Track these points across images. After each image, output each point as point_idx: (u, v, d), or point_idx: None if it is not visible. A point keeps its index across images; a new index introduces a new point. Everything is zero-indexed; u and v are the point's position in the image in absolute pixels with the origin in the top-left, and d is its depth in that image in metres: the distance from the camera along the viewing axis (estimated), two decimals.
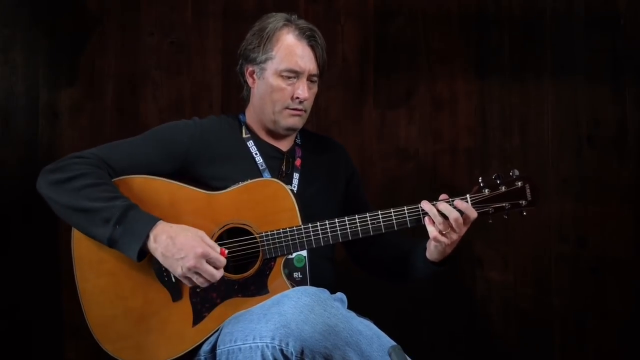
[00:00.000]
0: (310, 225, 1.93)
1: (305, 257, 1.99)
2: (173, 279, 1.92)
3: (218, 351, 1.86)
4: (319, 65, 2.11)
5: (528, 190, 1.93)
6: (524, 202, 1.93)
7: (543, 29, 2.90)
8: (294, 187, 2.10)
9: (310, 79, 2.10)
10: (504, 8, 2.90)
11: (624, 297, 2.86)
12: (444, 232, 1.89)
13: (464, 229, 1.91)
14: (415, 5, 2.91)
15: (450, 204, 1.89)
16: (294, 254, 1.99)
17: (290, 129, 2.13)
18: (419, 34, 2.91)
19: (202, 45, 2.87)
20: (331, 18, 2.90)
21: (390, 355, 1.72)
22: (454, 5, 2.91)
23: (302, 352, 1.69)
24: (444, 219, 1.88)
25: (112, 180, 1.96)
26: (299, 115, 2.10)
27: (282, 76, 2.07)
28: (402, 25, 2.91)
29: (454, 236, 1.91)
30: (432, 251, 1.98)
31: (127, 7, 2.85)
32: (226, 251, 1.90)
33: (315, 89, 2.14)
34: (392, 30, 2.91)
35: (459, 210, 1.89)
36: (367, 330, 1.75)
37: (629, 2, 2.87)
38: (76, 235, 1.97)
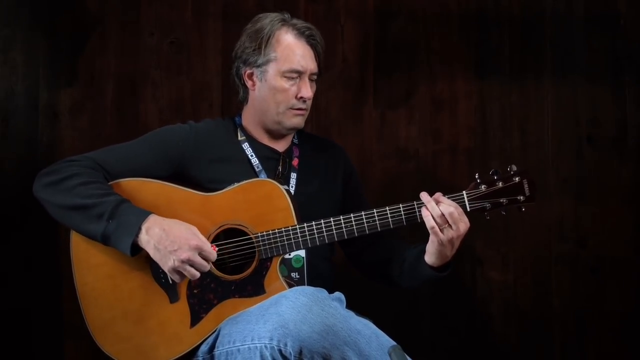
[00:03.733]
0: (305, 224, 1.93)
1: (303, 257, 2.00)
2: (170, 281, 1.92)
3: (217, 352, 1.86)
4: (318, 63, 2.12)
5: (526, 186, 1.91)
6: (522, 197, 1.91)
7: (543, 29, 2.90)
8: (292, 187, 2.10)
9: (311, 77, 2.11)
10: (504, 8, 2.90)
11: (624, 297, 2.86)
12: (441, 227, 1.88)
13: (461, 226, 1.89)
14: (415, 5, 2.91)
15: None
16: (292, 254, 1.99)
17: (294, 129, 2.14)
18: (419, 34, 2.91)
19: (202, 45, 2.87)
20: (331, 18, 2.90)
21: (390, 355, 1.72)
22: (454, 5, 2.91)
23: (300, 352, 1.69)
24: (441, 212, 1.87)
25: (109, 183, 1.97)
26: (301, 115, 2.11)
27: (285, 77, 2.07)
28: (402, 25, 2.91)
29: (451, 233, 1.89)
30: (431, 253, 1.95)
31: (127, 7, 2.85)
32: (216, 248, 1.90)
33: (315, 87, 2.14)
34: (392, 30, 2.91)
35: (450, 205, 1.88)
36: (365, 330, 1.75)
37: (629, 2, 2.87)
38: (74, 239, 1.98)
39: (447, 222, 1.87)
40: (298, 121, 2.12)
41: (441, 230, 1.88)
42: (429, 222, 1.89)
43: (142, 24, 2.86)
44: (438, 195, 1.90)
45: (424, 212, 1.89)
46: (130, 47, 2.85)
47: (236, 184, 1.98)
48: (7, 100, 2.79)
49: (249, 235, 1.94)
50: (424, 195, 1.90)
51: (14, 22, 2.80)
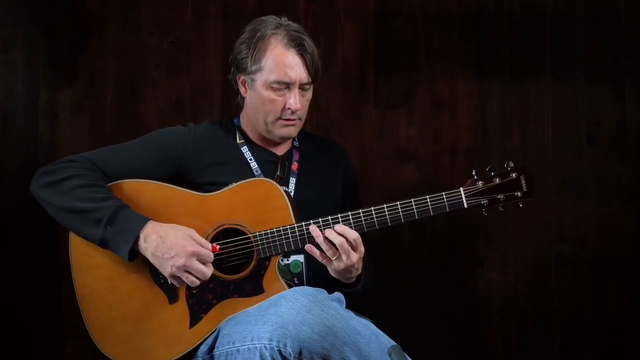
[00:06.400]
0: (303, 223, 1.92)
1: (302, 262, 2.00)
2: (169, 281, 1.92)
3: (216, 352, 1.86)
4: (310, 72, 2.04)
5: (523, 182, 1.91)
6: (519, 193, 1.91)
7: (543, 29, 2.90)
8: (291, 191, 2.09)
9: (302, 87, 2.05)
10: (504, 8, 2.90)
11: (624, 297, 2.86)
12: (333, 258, 1.88)
13: (354, 254, 1.88)
14: (415, 5, 2.91)
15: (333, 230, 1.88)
16: (291, 260, 2.00)
17: (285, 138, 2.12)
18: (419, 34, 2.91)
19: (202, 45, 2.87)
20: (331, 18, 2.90)
21: (390, 355, 1.72)
22: (454, 5, 2.90)
23: (300, 353, 1.69)
24: (330, 245, 1.87)
25: (107, 185, 1.96)
26: (292, 125, 2.07)
27: (272, 88, 2.02)
28: (402, 25, 2.91)
29: (342, 263, 1.88)
30: (332, 273, 1.94)
31: (127, 7, 2.85)
32: (218, 247, 1.90)
33: (308, 95, 2.09)
34: (392, 30, 2.91)
35: (342, 235, 1.87)
36: (365, 330, 1.75)
37: (629, 2, 2.87)
38: (73, 240, 1.98)
39: (339, 251, 1.87)
40: (288, 131, 2.08)
41: (331, 260, 1.88)
42: (314, 254, 1.89)
43: (142, 24, 2.85)
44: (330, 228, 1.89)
45: (307, 247, 1.89)
46: (130, 47, 2.85)
47: (234, 184, 1.97)
48: (7, 100, 2.79)
49: (247, 234, 1.94)
50: (313, 229, 1.89)
51: (14, 22, 2.79)
